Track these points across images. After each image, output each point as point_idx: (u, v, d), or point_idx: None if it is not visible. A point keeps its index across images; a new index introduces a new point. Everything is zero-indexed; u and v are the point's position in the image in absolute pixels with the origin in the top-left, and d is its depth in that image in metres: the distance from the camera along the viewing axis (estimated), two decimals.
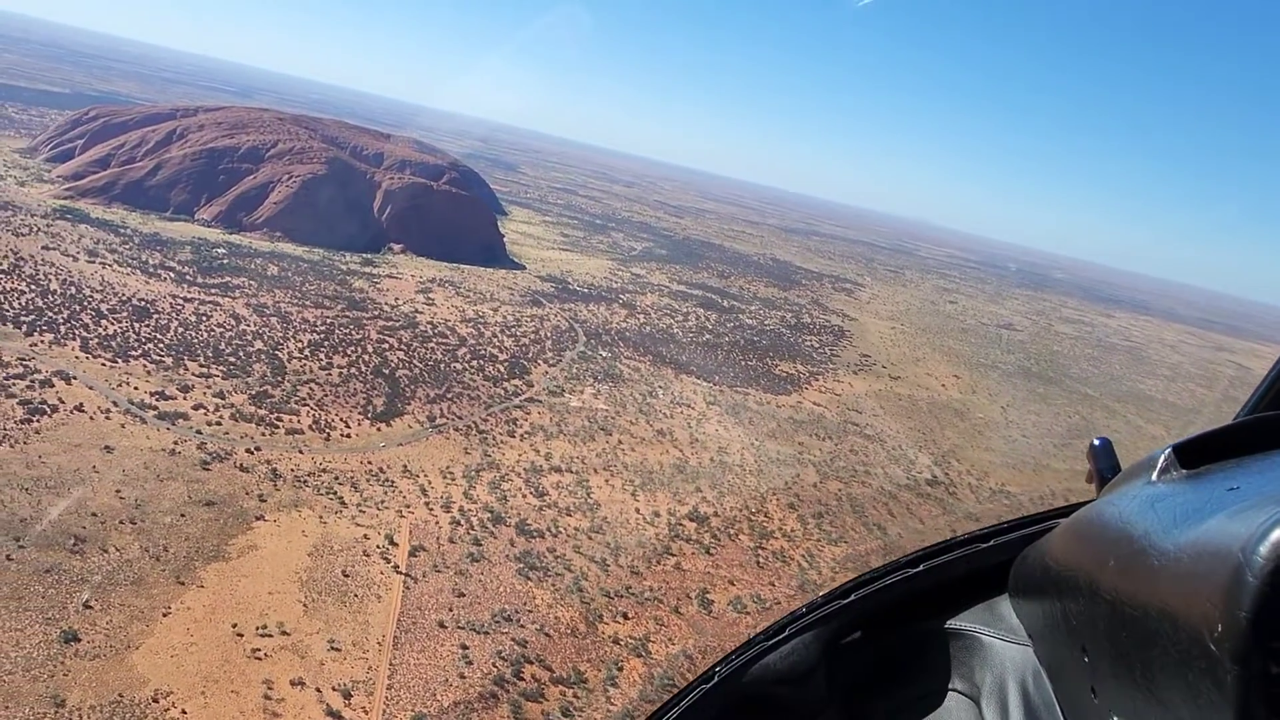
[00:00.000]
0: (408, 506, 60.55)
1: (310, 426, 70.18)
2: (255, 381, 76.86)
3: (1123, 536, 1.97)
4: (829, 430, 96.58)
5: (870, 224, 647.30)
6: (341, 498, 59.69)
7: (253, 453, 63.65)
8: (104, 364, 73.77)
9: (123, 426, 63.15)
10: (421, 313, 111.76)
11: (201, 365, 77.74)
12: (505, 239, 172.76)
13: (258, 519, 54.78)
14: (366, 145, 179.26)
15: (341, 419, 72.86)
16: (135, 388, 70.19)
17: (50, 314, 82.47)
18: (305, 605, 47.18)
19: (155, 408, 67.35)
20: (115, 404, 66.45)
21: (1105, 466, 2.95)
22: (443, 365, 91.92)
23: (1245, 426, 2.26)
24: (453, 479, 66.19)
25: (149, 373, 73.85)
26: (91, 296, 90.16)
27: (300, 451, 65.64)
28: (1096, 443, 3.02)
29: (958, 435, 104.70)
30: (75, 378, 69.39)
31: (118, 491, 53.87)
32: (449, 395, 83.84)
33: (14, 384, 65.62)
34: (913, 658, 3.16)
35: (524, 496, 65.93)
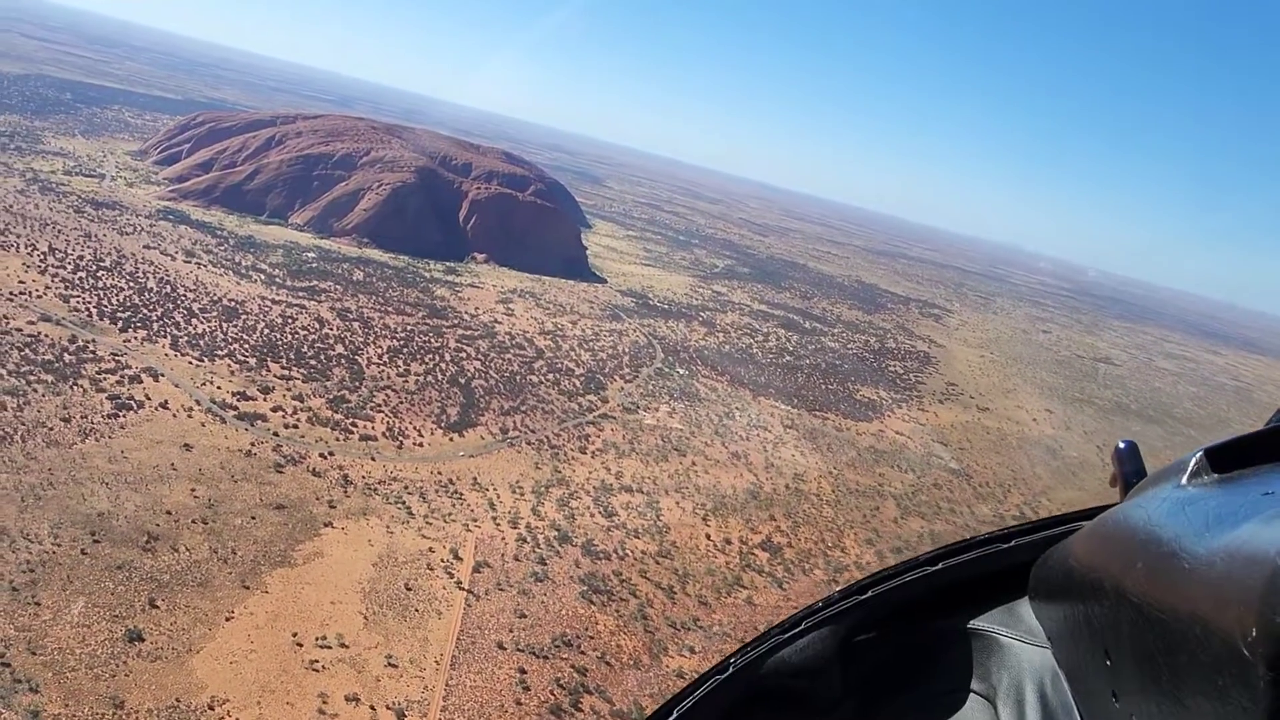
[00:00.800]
0: (474, 520, 59.77)
1: (384, 433, 70.24)
2: (334, 386, 77.53)
3: (1152, 539, 1.96)
4: (911, 462, 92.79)
5: (960, 248, 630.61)
6: (409, 508, 59.25)
7: (326, 457, 63.87)
8: (191, 362, 75.38)
9: (203, 425, 64.11)
10: (500, 323, 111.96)
11: (283, 368, 78.84)
12: (588, 252, 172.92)
13: (326, 525, 54.63)
14: (456, 156, 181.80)
15: (415, 427, 72.80)
16: (218, 387, 71.41)
17: (145, 311, 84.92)
18: (366, 617, 46.55)
19: (235, 408, 68.32)
20: (198, 402, 67.62)
21: (1130, 470, 2.87)
22: (518, 377, 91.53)
23: (1278, 432, 2.21)
24: (521, 494, 65.25)
25: (233, 373, 75.16)
26: (185, 295, 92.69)
27: (372, 458, 65.63)
28: (1121, 445, 2.94)
29: (1050, 475, 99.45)
30: (162, 375, 70.97)
31: (193, 490, 54.40)
32: (523, 408, 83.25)
33: (105, 379, 67.37)
34: (929, 656, 3.09)
35: (592, 516, 64.55)
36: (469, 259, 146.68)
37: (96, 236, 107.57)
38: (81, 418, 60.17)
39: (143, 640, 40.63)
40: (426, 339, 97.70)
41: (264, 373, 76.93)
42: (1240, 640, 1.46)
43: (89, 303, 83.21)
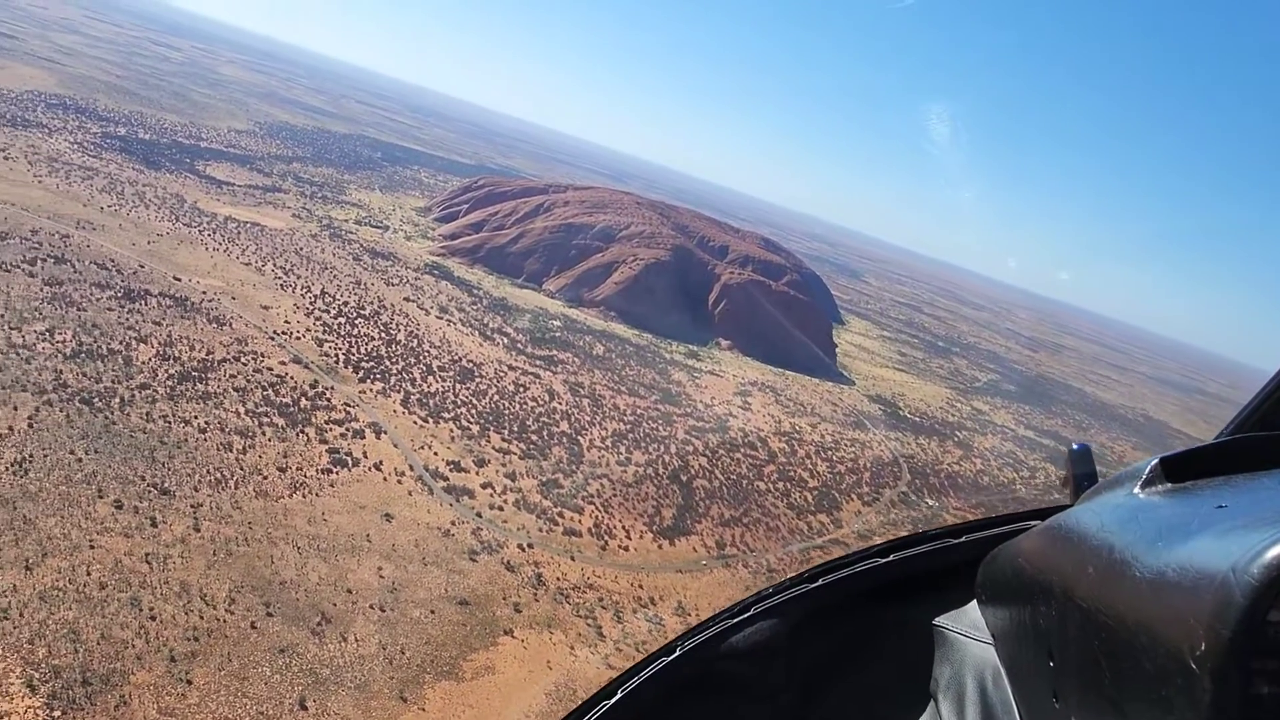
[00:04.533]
0: None
1: (590, 529, 64.22)
2: (549, 467, 73.11)
3: (1104, 545, 1.97)
4: None
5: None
6: (600, 627, 52.16)
7: (524, 549, 58.57)
8: (416, 422, 73.97)
9: (409, 494, 61.17)
10: (735, 417, 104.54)
11: (504, 440, 75.69)
12: (837, 349, 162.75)
13: (506, 633, 48.65)
14: (714, 237, 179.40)
15: (624, 526, 66.30)
16: (435, 453, 68.96)
17: (387, 363, 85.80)
18: None
19: (446, 479, 65.18)
20: (411, 467, 65.18)
21: (1082, 473, 2.94)
22: (745, 482, 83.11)
23: (1233, 445, 2.30)
24: None
25: (453, 439, 72.79)
26: (428, 351, 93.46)
27: (572, 557, 59.58)
28: (1075, 447, 3.03)
29: None
30: (385, 432, 69.68)
31: (380, 569, 50.57)
32: (745, 519, 74.62)
33: (331, 429, 66.81)
34: (875, 646, 3.20)
35: None
36: (713, 344, 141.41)
37: (365, 284, 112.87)
38: (297, 469, 59.01)
39: None
40: (655, 425, 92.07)
41: (484, 443, 74.03)
42: (1188, 653, 1.48)
43: (339, 349, 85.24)
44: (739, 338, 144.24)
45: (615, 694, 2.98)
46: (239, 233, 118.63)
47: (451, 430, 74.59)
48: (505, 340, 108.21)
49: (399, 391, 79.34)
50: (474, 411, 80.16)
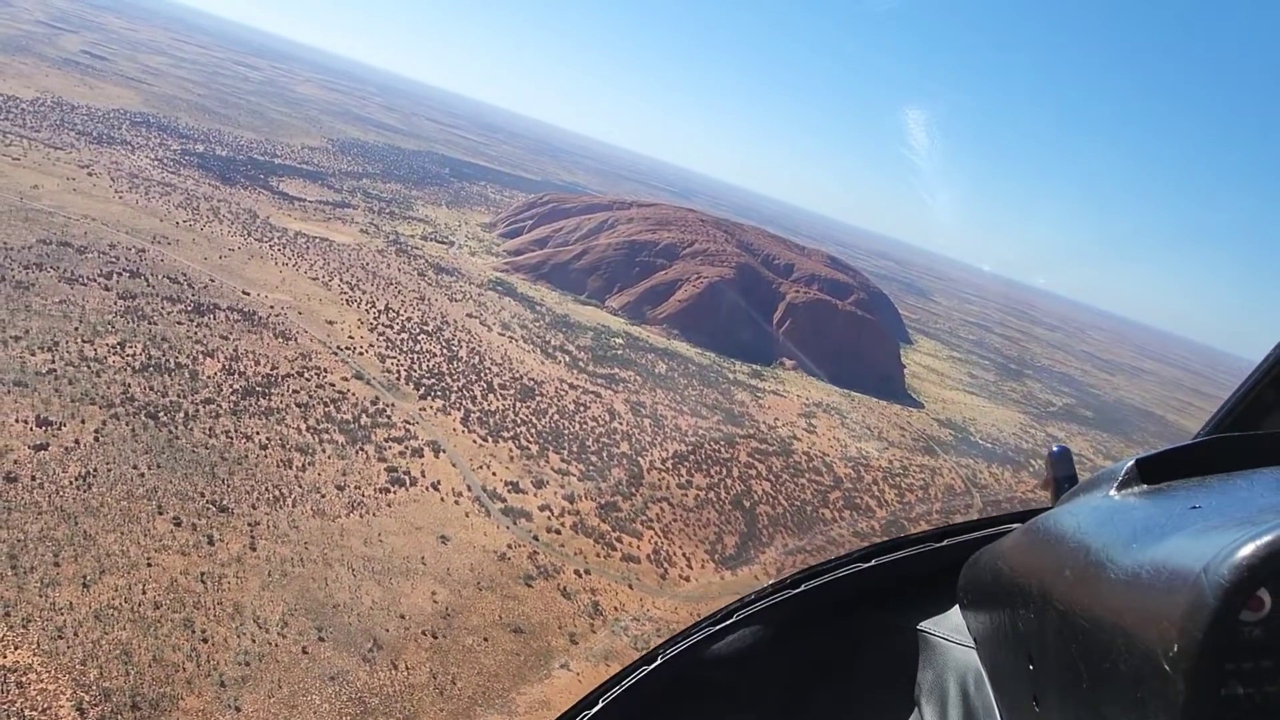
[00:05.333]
0: None
1: (649, 556, 62.42)
2: (608, 489, 71.60)
3: (1080, 547, 1.98)
4: None
5: None
6: None
7: (581, 575, 57.04)
8: (475, 441, 73.22)
9: (466, 515, 60.16)
10: (799, 440, 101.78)
11: (563, 460, 74.46)
12: (905, 370, 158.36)
13: (560, 666, 47.04)
14: (779, 255, 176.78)
15: (684, 553, 64.36)
16: (493, 473, 68.04)
17: (449, 380, 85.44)
18: None
19: (504, 500, 64.10)
20: (469, 488, 64.27)
21: (1062, 475, 2.94)
22: (809, 509, 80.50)
23: (1209, 445, 2.30)
24: None
25: (512, 458, 71.83)
26: (489, 369, 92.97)
27: (630, 586, 57.83)
28: (1055, 450, 3.03)
29: None
30: (444, 450, 68.97)
31: (434, 593, 49.50)
32: (809, 548, 72.01)
33: (390, 448, 66.34)
34: (857, 651, 3.20)
35: None
36: (776, 363, 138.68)
37: (429, 300, 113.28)
38: (355, 488, 58.50)
39: None
40: (717, 448, 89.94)
41: (542, 463, 72.89)
42: (1161, 654, 1.49)
43: (401, 365, 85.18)
44: (804, 357, 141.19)
45: (596, 703, 2.94)
46: (308, 247, 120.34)
47: (511, 450, 73.66)
48: (567, 358, 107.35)
49: (459, 409, 78.76)
50: (534, 431, 79.17)
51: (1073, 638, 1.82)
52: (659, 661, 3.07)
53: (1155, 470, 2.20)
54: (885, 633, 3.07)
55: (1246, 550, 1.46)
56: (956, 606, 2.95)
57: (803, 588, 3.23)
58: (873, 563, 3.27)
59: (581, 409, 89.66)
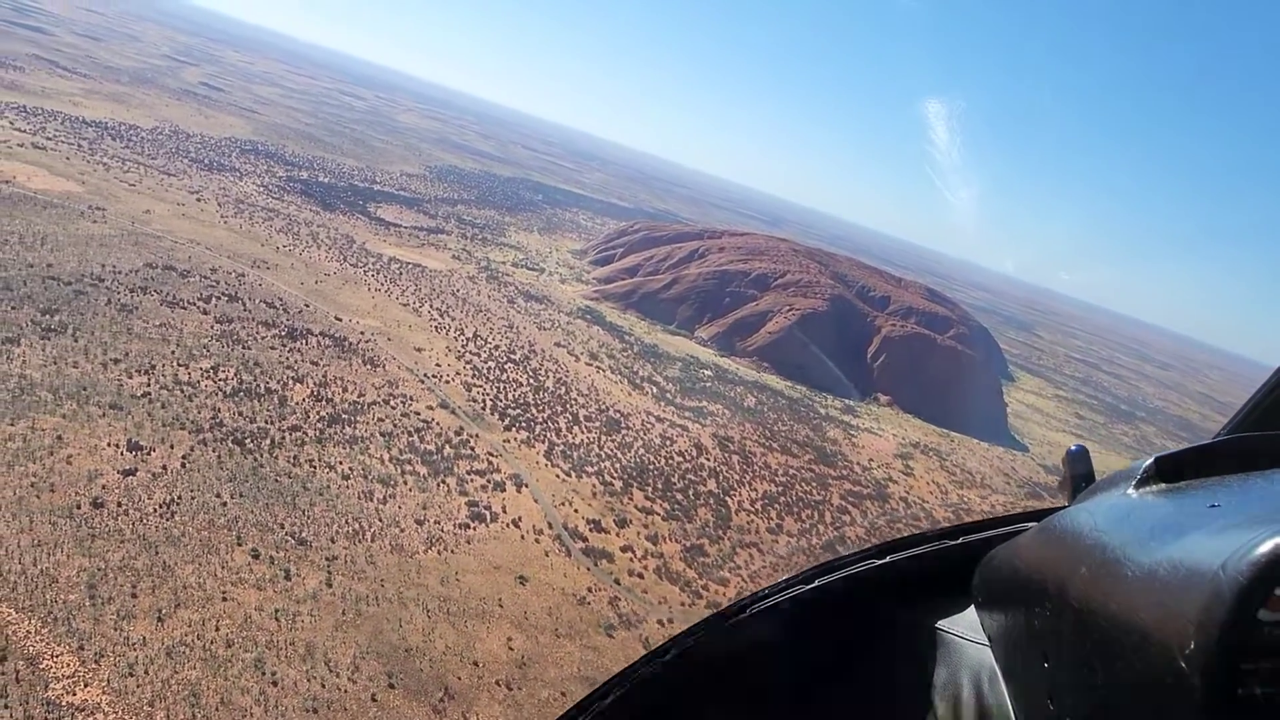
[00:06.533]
0: None
1: None
2: (694, 530, 68.65)
3: (1097, 545, 1.97)
4: None
5: None
6: None
7: (663, 625, 54.14)
8: (558, 475, 71.33)
9: (546, 555, 58.06)
10: (896, 483, 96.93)
11: (647, 498, 71.87)
12: (1008, 409, 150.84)
13: None
14: (874, 287, 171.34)
15: None
16: (575, 510, 65.91)
17: (534, 411, 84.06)
18: None
19: (585, 539, 61.83)
20: (550, 525, 62.23)
21: (1079, 473, 2.89)
22: None
23: (1228, 445, 2.27)
24: None
25: (594, 495, 69.63)
26: (575, 399, 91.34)
27: None
28: (1072, 449, 2.99)
29: None
30: (526, 485, 67.24)
31: (509, 640, 47.35)
32: None
33: (472, 480, 64.93)
34: (871, 648, 3.16)
35: None
36: (871, 399, 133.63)
37: (517, 328, 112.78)
38: (434, 522, 57.08)
39: None
40: (808, 489, 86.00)
41: (626, 500, 70.45)
42: (1178, 652, 1.48)
43: (487, 395, 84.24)
44: (900, 394, 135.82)
45: (608, 696, 2.95)
46: (400, 273, 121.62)
47: (594, 485, 71.49)
48: (654, 389, 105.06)
49: (543, 441, 77.13)
50: (618, 466, 76.87)
51: (1089, 635, 1.82)
52: (671, 654, 3.04)
53: (1174, 469, 2.18)
54: (899, 630, 3.02)
55: (1266, 548, 1.45)
56: (971, 604, 2.89)
57: (816, 583, 3.17)
58: (887, 559, 3.20)
59: (668, 443, 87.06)
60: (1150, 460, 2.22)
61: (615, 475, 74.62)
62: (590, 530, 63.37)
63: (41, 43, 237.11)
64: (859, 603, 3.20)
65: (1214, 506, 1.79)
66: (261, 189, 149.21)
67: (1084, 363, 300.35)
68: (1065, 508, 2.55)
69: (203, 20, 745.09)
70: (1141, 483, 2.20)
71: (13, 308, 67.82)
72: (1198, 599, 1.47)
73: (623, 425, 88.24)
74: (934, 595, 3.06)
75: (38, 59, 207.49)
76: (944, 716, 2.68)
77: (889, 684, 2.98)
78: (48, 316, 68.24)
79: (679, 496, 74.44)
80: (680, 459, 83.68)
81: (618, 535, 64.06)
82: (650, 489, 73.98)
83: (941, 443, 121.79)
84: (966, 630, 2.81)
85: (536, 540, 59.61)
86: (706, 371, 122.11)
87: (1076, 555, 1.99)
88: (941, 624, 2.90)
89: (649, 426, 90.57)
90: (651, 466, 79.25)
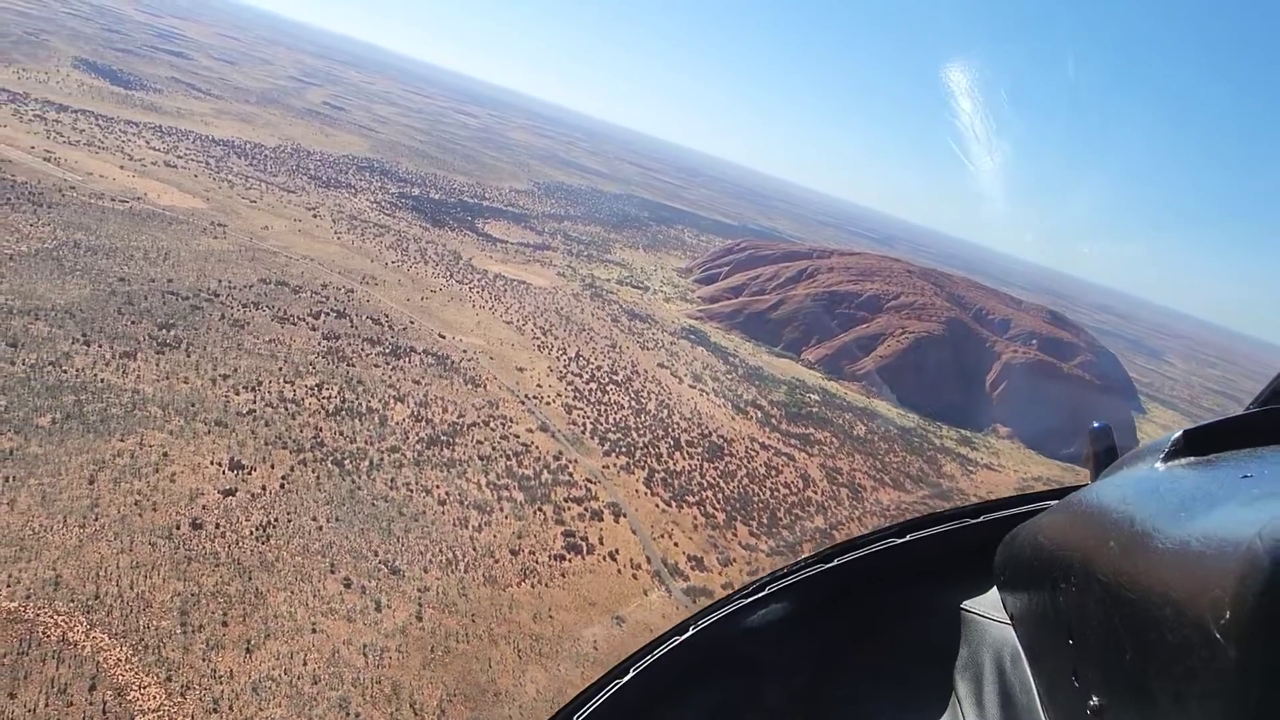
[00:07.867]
0: None
1: None
2: None
3: (1126, 518, 1.94)
4: None
5: None
6: None
7: None
8: (658, 505, 68.59)
9: (645, 594, 55.31)
10: None
11: (751, 533, 68.36)
12: (1139, 444, 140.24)
13: None
14: (992, 310, 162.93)
15: None
16: (675, 543, 62.99)
17: (634, 435, 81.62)
18: None
19: (685, 578, 58.79)
20: (648, 559, 59.47)
21: (1103, 450, 2.87)
22: None
23: (1260, 417, 2.20)
24: None
25: (696, 527, 66.55)
26: (676, 424, 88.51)
27: None
28: (1096, 425, 2.98)
29: None
30: (624, 514, 64.73)
31: None
32: None
33: (569, 508, 62.82)
34: (890, 627, 3.17)
35: None
36: (989, 430, 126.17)
37: (620, 347, 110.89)
38: (529, 553, 55.07)
39: None
40: None
41: (729, 535, 67.10)
42: (1212, 622, 1.46)
43: (588, 417, 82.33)
44: (1020, 425, 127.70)
45: (627, 673, 2.96)
46: (505, 290, 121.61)
47: (695, 517, 68.42)
48: (759, 414, 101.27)
49: (643, 468, 74.53)
50: (720, 496, 73.59)
51: (1117, 610, 1.79)
52: (690, 633, 3.05)
53: (1204, 442, 2.11)
54: (919, 609, 3.01)
55: None
56: (992, 583, 2.87)
57: (835, 562, 3.18)
58: (908, 538, 3.20)
59: (773, 473, 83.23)
60: (1179, 433, 2.14)
61: (718, 506, 71.35)
62: (691, 567, 60.30)
63: (181, 66, 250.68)
64: (879, 582, 3.18)
65: (1247, 478, 1.75)
66: (374, 205, 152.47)
67: (1221, 394, 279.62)
68: (1088, 485, 2.49)
69: (330, 43, 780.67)
70: (1170, 456, 2.14)
71: (133, 322, 69.61)
72: (1233, 569, 1.43)
73: (726, 452, 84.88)
74: (955, 574, 3.01)
75: (176, 81, 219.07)
76: (965, 695, 2.66)
77: (908, 663, 2.90)
78: (164, 331, 69.76)
79: (785, 533, 70.59)
80: (786, 490, 79.76)
81: (720, 573, 60.72)
82: (755, 524, 70.40)
83: (1066, 479, 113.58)
84: (988, 609, 2.79)
85: (634, 576, 56.92)
86: (813, 395, 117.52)
87: (1104, 529, 1.97)
88: (963, 603, 2.86)
89: (753, 454, 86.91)
90: (755, 498, 75.65)
